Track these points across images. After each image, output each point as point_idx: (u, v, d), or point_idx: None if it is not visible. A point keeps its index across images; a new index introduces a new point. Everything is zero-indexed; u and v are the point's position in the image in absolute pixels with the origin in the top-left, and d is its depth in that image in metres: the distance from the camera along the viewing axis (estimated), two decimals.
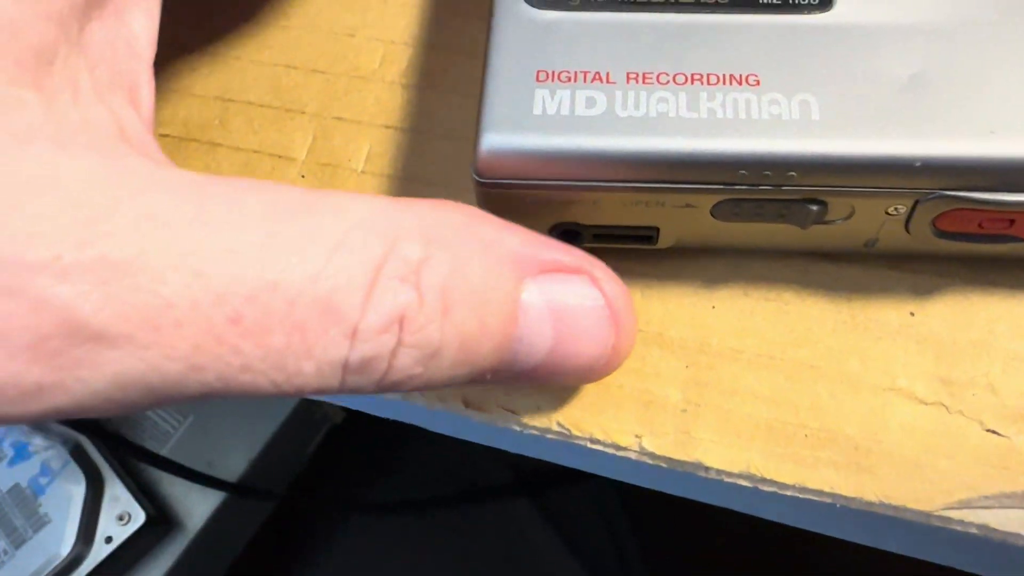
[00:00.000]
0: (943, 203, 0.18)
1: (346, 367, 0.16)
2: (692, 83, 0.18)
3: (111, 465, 0.54)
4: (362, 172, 0.25)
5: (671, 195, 0.19)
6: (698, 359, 0.22)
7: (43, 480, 0.52)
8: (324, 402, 0.62)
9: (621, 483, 0.25)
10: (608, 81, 0.19)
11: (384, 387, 0.16)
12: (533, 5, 0.20)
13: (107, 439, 0.57)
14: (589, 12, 0.20)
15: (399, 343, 0.16)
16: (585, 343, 0.18)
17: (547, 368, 0.18)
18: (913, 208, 0.19)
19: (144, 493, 0.55)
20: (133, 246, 0.14)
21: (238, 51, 0.27)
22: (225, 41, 0.27)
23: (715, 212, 0.19)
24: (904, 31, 0.19)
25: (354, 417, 0.68)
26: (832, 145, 0.18)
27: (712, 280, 0.22)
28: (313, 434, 0.68)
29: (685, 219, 0.20)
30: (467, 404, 0.22)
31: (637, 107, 0.18)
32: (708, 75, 0.19)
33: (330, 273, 0.15)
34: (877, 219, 0.19)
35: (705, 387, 0.21)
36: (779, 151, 0.18)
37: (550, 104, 0.18)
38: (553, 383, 0.21)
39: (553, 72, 0.19)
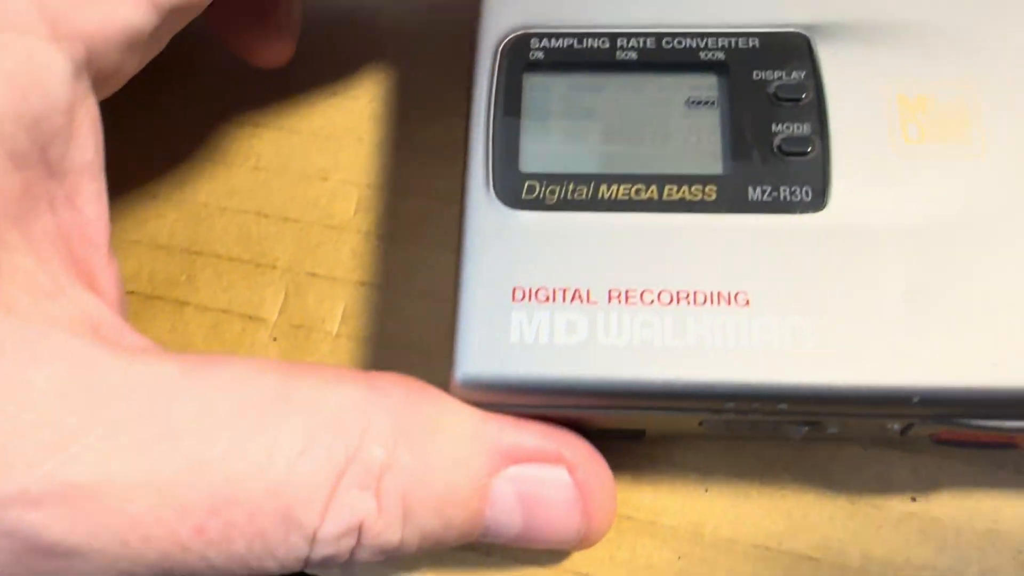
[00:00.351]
0: (941, 425, 0.17)
1: (308, 562, 0.16)
2: (678, 303, 0.17)
3: None
4: (337, 335, 0.24)
5: (656, 414, 0.18)
6: (691, 550, 0.21)
7: None
8: None
9: None
10: (589, 301, 0.17)
11: (348, 568, 0.17)
12: (507, 204, 0.19)
13: None
14: (567, 212, 0.18)
15: (358, 544, 0.16)
16: (553, 532, 0.18)
17: (515, 544, 0.19)
18: (908, 426, 0.18)
19: None
20: (99, 468, 0.15)
21: (206, 196, 0.25)
22: (192, 185, 0.26)
23: (703, 425, 0.18)
24: (902, 235, 0.18)
25: None
26: (825, 377, 0.17)
27: (705, 462, 0.21)
28: None
29: (672, 426, 0.19)
30: None
31: (620, 334, 0.17)
32: (695, 293, 0.17)
33: (291, 484, 0.16)
34: (871, 431, 0.18)
35: None
36: (769, 384, 0.17)
37: (528, 330, 0.17)
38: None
39: (530, 290, 0.18)
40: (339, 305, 0.24)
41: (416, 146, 0.25)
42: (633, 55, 0.20)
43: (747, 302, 0.17)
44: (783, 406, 0.17)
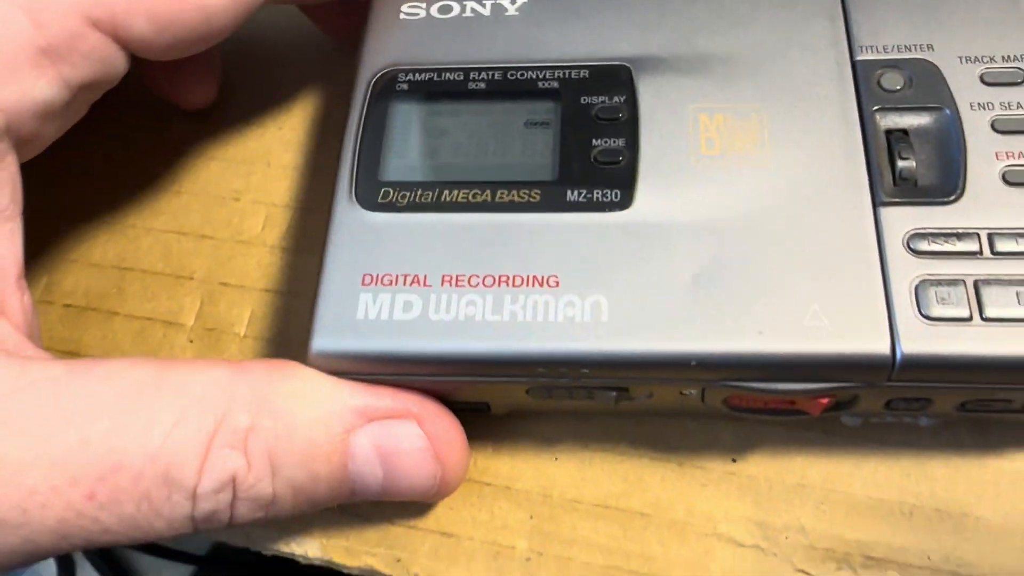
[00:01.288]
0: (726, 390, 0.20)
1: (194, 520, 0.19)
2: (499, 285, 0.21)
3: None
4: (244, 336, 0.27)
5: (485, 383, 0.21)
6: (541, 510, 0.24)
7: None
8: None
9: None
10: (425, 284, 0.21)
11: (235, 526, 0.20)
12: (366, 207, 0.22)
13: None
14: (414, 213, 0.22)
15: (235, 498, 0.19)
16: (412, 479, 0.21)
17: (384, 496, 0.21)
18: (703, 391, 0.21)
19: (116, 574, 0.56)
20: None
21: (134, 219, 0.29)
22: (122, 209, 0.29)
23: (530, 394, 0.21)
24: (693, 229, 0.21)
25: None
26: (618, 346, 0.20)
27: (555, 434, 0.24)
28: None
29: (508, 396, 0.22)
30: (326, 551, 0.24)
31: (448, 311, 0.20)
32: (514, 276, 0.21)
33: (168, 450, 0.19)
34: (675, 398, 0.21)
35: (547, 536, 0.23)
36: (570, 352, 0.20)
37: (372, 309, 0.21)
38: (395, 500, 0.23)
39: (377, 276, 0.21)
40: (247, 310, 0.27)
41: (316, 169, 0.29)
42: (482, 85, 0.24)
43: (557, 283, 0.20)
44: (586, 371, 0.20)
